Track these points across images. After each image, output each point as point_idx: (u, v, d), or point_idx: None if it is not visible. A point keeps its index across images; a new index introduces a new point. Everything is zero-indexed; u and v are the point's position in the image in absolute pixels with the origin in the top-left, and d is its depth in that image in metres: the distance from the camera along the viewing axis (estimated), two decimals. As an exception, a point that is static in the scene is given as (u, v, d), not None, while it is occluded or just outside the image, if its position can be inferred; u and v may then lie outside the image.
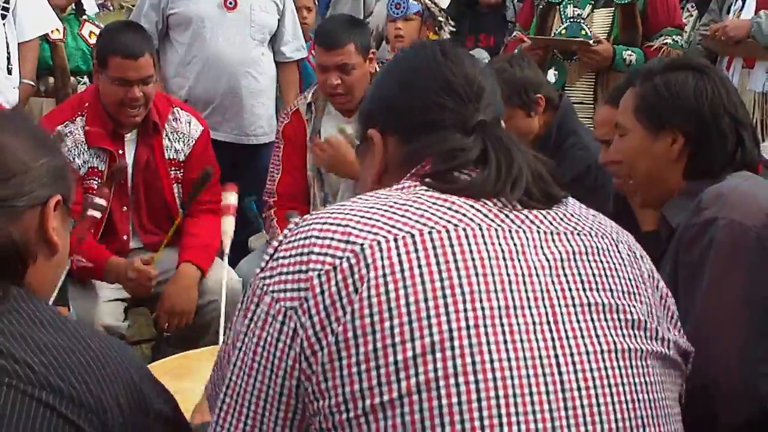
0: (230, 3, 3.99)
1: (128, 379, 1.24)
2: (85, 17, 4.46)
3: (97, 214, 2.84)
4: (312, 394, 1.12)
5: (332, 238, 1.16)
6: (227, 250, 2.92)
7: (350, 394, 1.10)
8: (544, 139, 3.15)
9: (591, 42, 3.78)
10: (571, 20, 3.91)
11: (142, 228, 3.31)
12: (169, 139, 3.29)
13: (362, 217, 1.19)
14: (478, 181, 1.24)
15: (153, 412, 1.27)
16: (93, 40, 4.20)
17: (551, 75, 3.88)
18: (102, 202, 2.86)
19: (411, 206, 1.20)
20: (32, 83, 4.13)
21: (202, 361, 2.40)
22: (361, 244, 1.15)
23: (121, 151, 3.20)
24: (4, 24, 3.93)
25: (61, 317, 1.25)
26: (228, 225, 2.89)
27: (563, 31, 3.92)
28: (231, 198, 2.93)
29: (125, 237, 3.27)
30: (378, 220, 1.18)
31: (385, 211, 1.20)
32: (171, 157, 3.29)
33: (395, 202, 1.21)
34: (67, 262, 1.41)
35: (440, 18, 4.47)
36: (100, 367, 1.21)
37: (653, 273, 1.32)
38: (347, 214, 1.20)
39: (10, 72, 3.92)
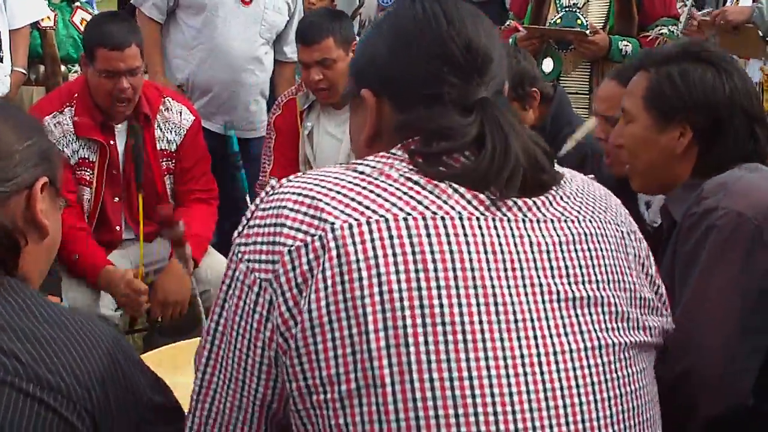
0: None
1: (119, 372, 1.22)
2: (77, 4, 4.42)
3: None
4: (287, 374, 1.11)
5: (305, 213, 1.13)
6: (191, 269, 2.94)
7: (327, 378, 1.08)
8: (538, 131, 3.13)
9: (587, 32, 3.77)
10: (567, 9, 3.89)
11: (134, 219, 3.29)
12: (160, 130, 3.27)
13: (338, 192, 1.14)
14: (468, 169, 1.17)
15: (143, 403, 1.26)
16: (85, 28, 4.16)
17: (547, 65, 3.86)
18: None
19: (391, 185, 1.15)
20: (24, 71, 4.10)
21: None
22: (332, 223, 1.11)
23: (112, 142, 3.17)
24: (-5, 12, 3.91)
25: (50, 307, 1.23)
26: (188, 251, 2.80)
27: (559, 21, 3.90)
28: (179, 229, 2.75)
29: (118, 228, 3.25)
30: (353, 199, 1.13)
31: (362, 188, 1.14)
32: (163, 147, 3.27)
33: (375, 179, 1.16)
34: (58, 243, 1.38)
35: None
36: (90, 360, 1.19)
37: (639, 251, 1.28)
38: (323, 187, 1.15)
39: (1, 60, 3.90)
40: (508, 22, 4.13)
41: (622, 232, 1.26)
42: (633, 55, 3.75)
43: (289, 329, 1.10)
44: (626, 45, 3.80)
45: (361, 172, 1.17)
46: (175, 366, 2.37)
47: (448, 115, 1.20)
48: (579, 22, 3.84)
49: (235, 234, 1.18)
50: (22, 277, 1.26)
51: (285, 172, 3.47)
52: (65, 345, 1.18)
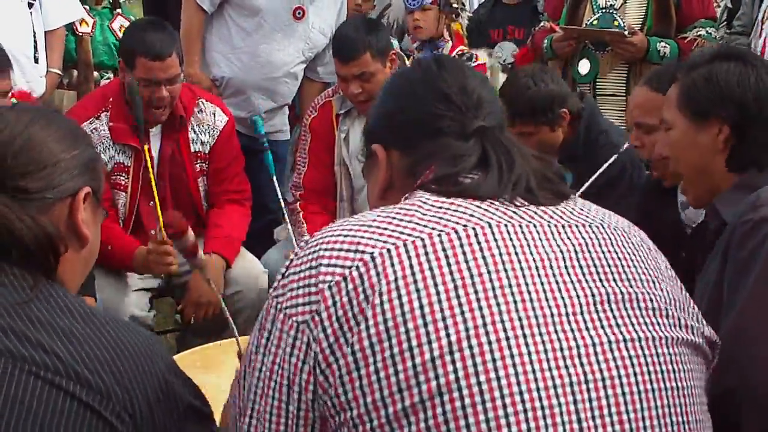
0: (299, 13, 3.91)
1: (157, 374, 1.23)
2: (118, 11, 4.44)
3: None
4: (333, 408, 1.11)
5: (341, 249, 1.16)
6: (208, 275, 2.53)
7: (372, 404, 1.09)
8: (571, 143, 3.11)
9: (625, 33, 3.73)
10: (604, 11, 3.86)
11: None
12: (194, 132, 3.27)
13: (369, 227, 1.19)
14: (481, 183, 1.24)
15: (182, 406, 1.26)
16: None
17: (583, 66, 3.83)
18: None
19: (417, 212, 1.20)
20: (59, 72, 4.12)
21: (228, 353, 2.37)
22: (371, 253, 1.14)
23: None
24: (31, 13, 3.93)
25: (89, 308, 1.24)
26: (201, 258, 2.42)
27: (595, 22, 3.86)
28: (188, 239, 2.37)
29: (152, 231, 3.25)
30: (386, 229, 1.18)
31: (393, 219, 1.20)
32: (197, 150, 3.28)
33: (401, 209, 1.22)
34: (96, 255, 1.40)
35: (456, 5, 4.44)
36: (128, 360, 1.20)
37: (669, 268, 1.29)
38: (354, 225, 1.20)
39: (36, 61, 3.92)
40: (542, 23, 4.10)
41: (648, 246, 1.29)
42: (671, 57, 3.71)
43: (330, 365, 1.11)
44: (664, 46, 3.76)
45: (387, 210, 1.23)
46: (206, 366, 2.37)
47: (452, 144, 1.32)
48: (616, 23, 3.80)
49: (271, 290, 1.20)
50: (59, 284, 1.27)
51: (320, 174, 3.51)
52: (106, 346, 1.19)
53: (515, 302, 1.12)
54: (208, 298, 3.16)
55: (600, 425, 1.10)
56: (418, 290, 1.11)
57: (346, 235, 1.18)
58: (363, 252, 1.15)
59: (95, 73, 4.31)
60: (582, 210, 1.27)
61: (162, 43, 3.05)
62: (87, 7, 4.29)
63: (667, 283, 1.24)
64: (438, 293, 1.11)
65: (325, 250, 1.17)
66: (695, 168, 1.89)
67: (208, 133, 3.29)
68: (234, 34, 3.94)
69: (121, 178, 3.16)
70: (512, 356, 1.09)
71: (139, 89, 3.00)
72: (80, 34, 4.25)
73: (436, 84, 1.37)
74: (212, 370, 2.29)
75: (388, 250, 1.14)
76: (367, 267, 1.13)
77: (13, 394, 1.12)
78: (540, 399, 1.08)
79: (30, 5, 3.92)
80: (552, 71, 3.28)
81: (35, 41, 3.93)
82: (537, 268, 1.16)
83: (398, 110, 1.41)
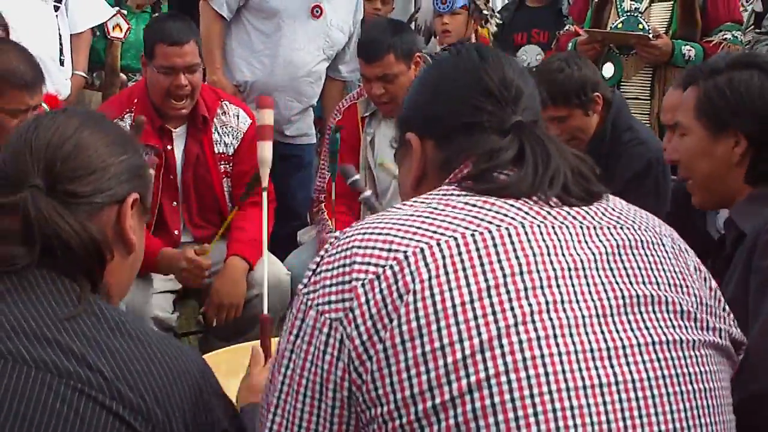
0: (317, 11, 3.92)
1: (198, 396, 1.23)
2: (157, 15, 4.46)
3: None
4: (364, 403, 1.12)
5: (374, 247, 1.16)
6: (265, 183, 2.41)
7: (402, 401, 1.09)
8: (599, 138, 3.12)
9: (650, 36, 3.71)
10: (628, 14, 3.84)
11: (192, 222, 3.31)
12: (218, 133, 3.28)
13: (402, 225, 1.19)
14: (515, 180, 1.24)
15: (218, 430, 1.26)
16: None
17: (607, 69, 3.81)
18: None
19: (451, 211, 1.20)
20: (84, 75, 4.16)
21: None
22: (405, 252, 1.15)
23: (169, 147, 3.19)
24: (57, 16, 3.96)
25: (134, 324, 1.24)
26: (266, 152, 2.34)
27: (620, 25, 3.85)
28: (267, 117, 2.41)
29: (176, 232, 3.28)
30: (419, 227, 1.18)
31: (426, 217, 1.19)
32: (220, 151, 3.28)
33: (434, 208, 1.21)
34: (140, 262, 1.41)
35: (486, 11, 4.44)
36: (172, 382, 1.20)
37: (700, 266, 1.30)
38: (387, 223, 1.20)
39: (62, 64, 3.95)
40: (567, 27, 4.09)
41: (679, 246, 1.29)
42: (696, 60, 3.68)
43: (363, 363, 1.12)
44: (689, 50, 3.73)
45: (422, 204, 1.23)
46: (229, 370, 2.37)
47: (489, 139, 1.29)
48: (641, 26, 3.79)
49: (301, 286, 1.20)
50: (104, 291, 1.28)
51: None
52: (150, 367, 1.19)
53: (547, 303, 1.13)
54: (230, 300, 3.18)
55: (630, 426, 1.11)
56: (450, 290, 1.12)
57: (379, 233, 1.18)
58: (396, 251, 1.15)
59: (123, 76, 4.34)
60: (614, 210, 1.27)
61: (179, 31, 3.08)
62: (125, 12, 4.31)
63: (696, 285, 1.25)
64: (470, 293, 1.12)
65: (358, 248, 1.17)
66: (707, 177, 1.88)
67: (232, 134, 3.30)
68: (253, 37, 3.96)
69: None
70: (542, 356, 1.10)
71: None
72: (111, 38, 4.28)
73: (478, 75, 1.34)
74: (235, 375, 2.29)
75: (422, 250, 1.15)
76: (401, 266, 1.14)
77: (58, 409, 1.13)
78: (569, 399, 1.09)
79: (56, 8, 3.96)
80: (584, 59, 3.28)
81: (61, 44, 3.96)
82: (569, 269, 1.17)
83: (436, 99, 1.38)
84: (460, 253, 1.14)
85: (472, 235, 1.16)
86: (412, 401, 1.09)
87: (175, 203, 3.26)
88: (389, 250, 1.15)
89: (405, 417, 1.09)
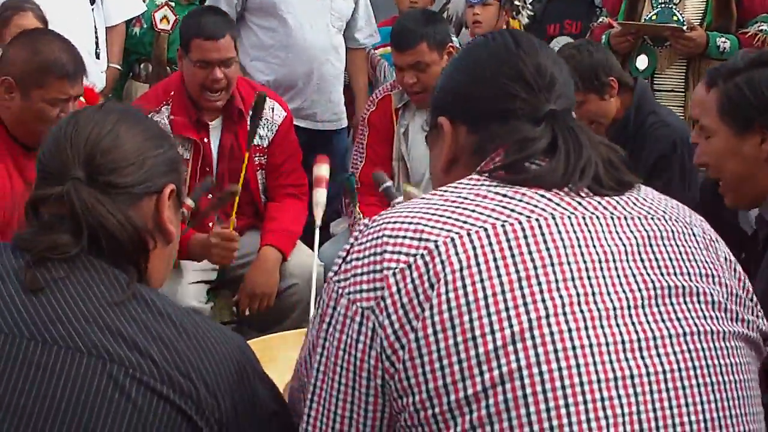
0: None
1: (245, 379, 1.25)
2: (194, 8, 4.49)
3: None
4: (396, 392, 1.12)
5: (405, 236, 1.16)
6: (319, 221, 2.91)
7: (434, 390, 1.10)
8: (623, 123, 3.13)
9: (684, 28, 3.68)
10: (663, 5, 3.81)
11: (227, 214, 3.33)
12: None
13: (433, 214, 1.18)
14: (547, 171, 1.23)
15: (267, 413, 1.28)
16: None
17: (641, 61, 3.79)
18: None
19: (482, 201, 1.20)
20: (119, 67, 4.20)
21: (287, 345, 2.40)
22: (435, 241, 1.15)
23: (206, 140, 3.21)
24: (92, 9, 4.00)
25: (184, 313, 1.26)
26: (320, 197, 2.87)
27: (654, 17, 3.82)
28: (323, 170, 2.89)
29: (210, 224, 3.29)
30: (450, 217, 1.18)
31: (456, 207, 1.19)
32: (256, 143, 3.29)
33: (465, 198, 1.21)
34: (176, 253, 1.44)
35: (518, 2, 4.43)
36: (219, 367, 1.22)
37: (729, 256, 1.30)
38: (418, 212, 1.20)
39: (98, 57, 3.99)
40: (601, 19, 4.07)
41: (709, 236, 1.29)
42: (731, 52, 3.65)
43: (395, 351, 1.12)
44: (724, 42, 3.70)
45: (452, 194, 1.22)
46: (262, 360, 2.38)
47: (521, 127, 1.28)
48: (675, 18, 3.76)
49: (331, 273, 1.21)
50: (147, 281, 1.30)
51: (377, 170, 3.48)
52: (198, 352, 1.21)
53: (578, 295, 1.13)
54: (263, 290, 3.20)
55: (660, 417, 1.11)
56: (482, 280, 1.12)
57: (410, 222, 1.18)
58: (427, 240, 1.15)
59: (168, 69, 4.38)
60: (645, 201, 1.27)
61: (216, 25, 3.10)
62: (173, 4, 4.35)
63: (726, 275, 1.25)
64: (502, 284, 1.12)
65: (389, 237, 1.17)
66: (737, 176, 1.88)
67: (267, 127, 3.31)
68: (262, 36, 4.00)
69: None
70: (574, 348, 1.10)
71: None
72: (159, 30, 4.31)
73: (513, 61, 1.32)
74: (271, 365, 2.30)
75: (452, 239, 1.15)
76: (432, 255, 1.14)
77: (110, 394, 1.15)
78: (600, 390, 1.09)
79: (92, 2, 4.00)
80: (597, 45, 3.28)
81: (96, 37, 4.01)
82: (600, 261, 1.16)
83: (470, 84, 1.35)
84: (490, 244, 1.14)
85: (503, 225, 1.16)
86: (444, 391, 1.09)
87: (210, 195, 3.28)
88: (420, 239, 1.15)
89: (437, 407, 1.10)
